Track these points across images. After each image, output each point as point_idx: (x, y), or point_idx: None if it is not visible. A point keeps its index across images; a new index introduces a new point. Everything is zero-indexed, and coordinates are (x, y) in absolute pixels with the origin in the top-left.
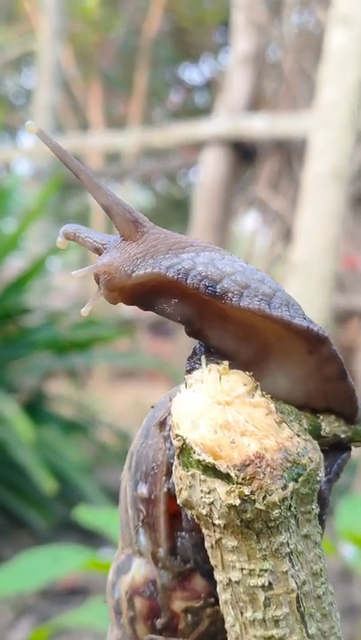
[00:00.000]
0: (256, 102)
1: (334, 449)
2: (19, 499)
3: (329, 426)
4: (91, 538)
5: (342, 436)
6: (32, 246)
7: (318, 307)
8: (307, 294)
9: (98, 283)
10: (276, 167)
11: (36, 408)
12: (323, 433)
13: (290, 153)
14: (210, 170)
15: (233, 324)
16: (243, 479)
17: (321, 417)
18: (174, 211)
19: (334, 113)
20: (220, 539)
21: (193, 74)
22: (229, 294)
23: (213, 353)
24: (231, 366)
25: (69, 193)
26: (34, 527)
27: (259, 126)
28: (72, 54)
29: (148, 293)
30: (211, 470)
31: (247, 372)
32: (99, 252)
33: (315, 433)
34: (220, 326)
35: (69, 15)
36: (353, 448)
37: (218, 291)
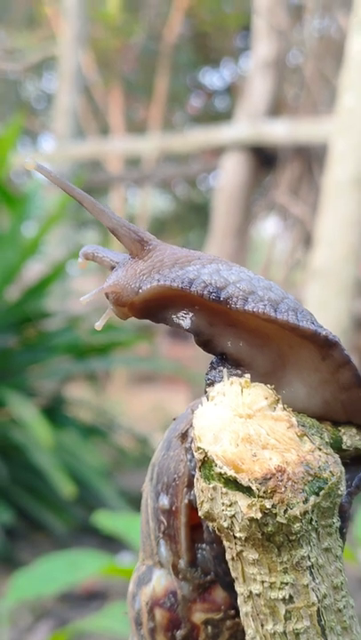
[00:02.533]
0: (277, 107)
1: (356, 462)
2: (38, 502)
3: (350, 439)
4: (109, 542)
5: None
6: (52, 250)
7: (338, 312)
8: (327, 300)
9: (108, 300)
10: (296, 173)
11: (55, 412)
12: (344, 446)
13: (310, 158)
14: (230, 175)
15: (245, 332)
16: (264, 493)
17: (342, 430)
18: (194, 215)
19: (355, 119)
20: (241, 551)
21: (213, 78)
22: (234, 298)
23: (230, 364)
24: (251, 377)
25: None
26: (53, 531)
27: (279, 131)
28: (93, 59)
29: (157, 307)
30: (232, 483)
31: (268, 385)
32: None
33: (336, 446)
34: (232, 335)
35: (90, 20)
36: None
37: (222, 296)
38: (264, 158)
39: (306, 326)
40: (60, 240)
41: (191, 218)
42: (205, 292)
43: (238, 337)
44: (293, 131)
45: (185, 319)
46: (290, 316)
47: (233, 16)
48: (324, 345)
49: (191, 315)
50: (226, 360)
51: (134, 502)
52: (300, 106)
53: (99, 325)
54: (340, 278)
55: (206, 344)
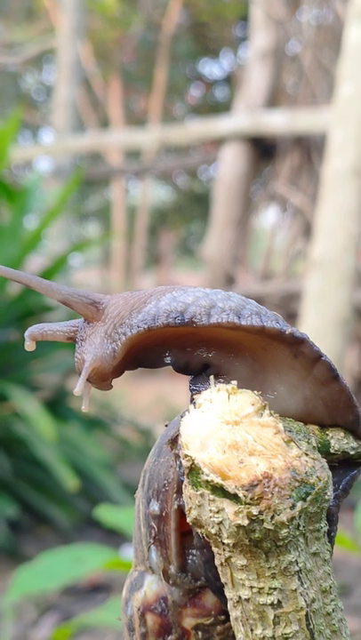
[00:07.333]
0: (275, 97)
1: (344, 465)
2: (41, 496)
3: (338, 443)
4: (113, 534)
5: (351, 452)
6: (53, 243)
7: (339, 302)
8: (327, 290)
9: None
10: (295, 163)
11: (58, 405)
12: (332, 450)
13: (309, 148)
14: (229, 166)
15: (217, 345)
16: (251, 499)
17: (330, 434)
18: (196, 206)
19: (353, 108)
20: (230, 557)
21: (213, 68)
22: (197, 316)
23: (212, 373)
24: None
25: (90, 190)
26: (57, 524)
27: (278, 122)
28: (92, 51)
29: (132, 358)
30: (219, 490)
31: (255, 391)
32: (73, 339)
33: (324, 450)
34: (206, 352)
35: (89, 12)
36: None
37: (186, 317)
38: (263, 149)
39: (271, 326)
40: (61, 233)
41: (192, 208)
42: (170, 320)
43: (212, 351)
44: (292, 121)
45: (160, 355)
46: (254, 320)
47: (231, 6)
48: (292, 342)
49: (164, 347)
50: (208, 370)
51: None
52: (299, 96)
53: (85, 408)
54: (341, 268)
55: (185, 368)
